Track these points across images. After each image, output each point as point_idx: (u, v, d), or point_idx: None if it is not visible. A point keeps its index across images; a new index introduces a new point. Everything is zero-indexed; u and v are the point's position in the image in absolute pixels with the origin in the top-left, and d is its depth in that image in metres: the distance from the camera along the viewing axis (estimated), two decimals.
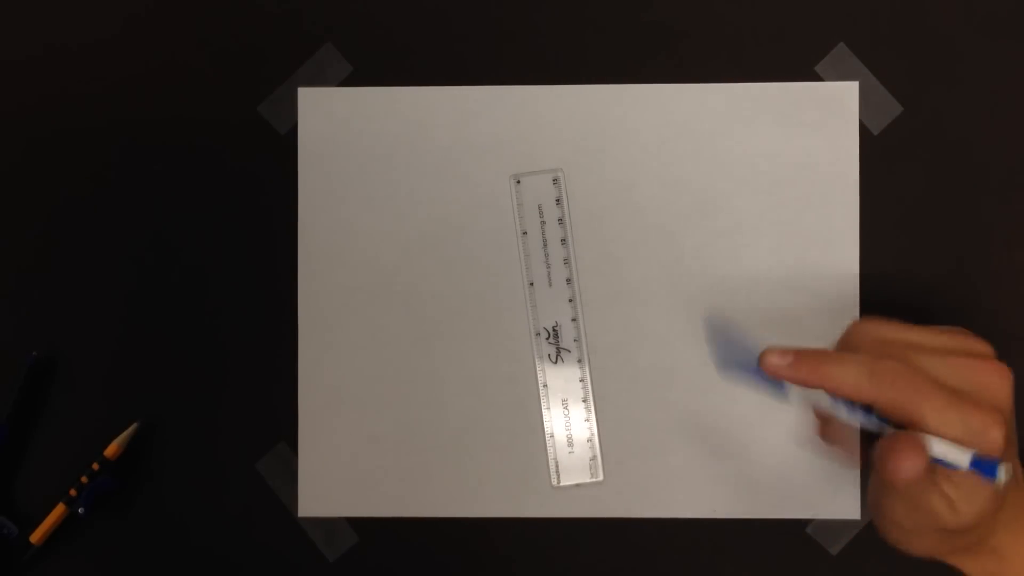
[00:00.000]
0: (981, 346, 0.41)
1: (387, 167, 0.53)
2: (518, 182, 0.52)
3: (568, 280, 0.53)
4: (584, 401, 0.52)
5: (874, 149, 0.53)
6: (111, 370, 0.53)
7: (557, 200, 0.52)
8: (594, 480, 0.52)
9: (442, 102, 0.53)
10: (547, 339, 0.52)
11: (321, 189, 0.53)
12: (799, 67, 0.53)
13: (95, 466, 0.52)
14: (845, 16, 0.53)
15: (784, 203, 0.52)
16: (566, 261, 0.53)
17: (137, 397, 0.53)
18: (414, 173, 0.53)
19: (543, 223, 0.52)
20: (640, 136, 0.53)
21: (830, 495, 0.52)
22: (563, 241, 0.53)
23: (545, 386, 0.53)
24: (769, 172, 0.52)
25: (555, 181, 0.52)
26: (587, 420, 0.52)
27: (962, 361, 0.39)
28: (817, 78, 0.53)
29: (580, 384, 0.52)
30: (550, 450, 0.53)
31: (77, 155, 0.54)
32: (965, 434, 0.38)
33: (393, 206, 0.52)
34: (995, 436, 0.38)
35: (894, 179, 0.53)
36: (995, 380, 0.39)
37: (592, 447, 0.52)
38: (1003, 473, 0.38)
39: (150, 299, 0.53)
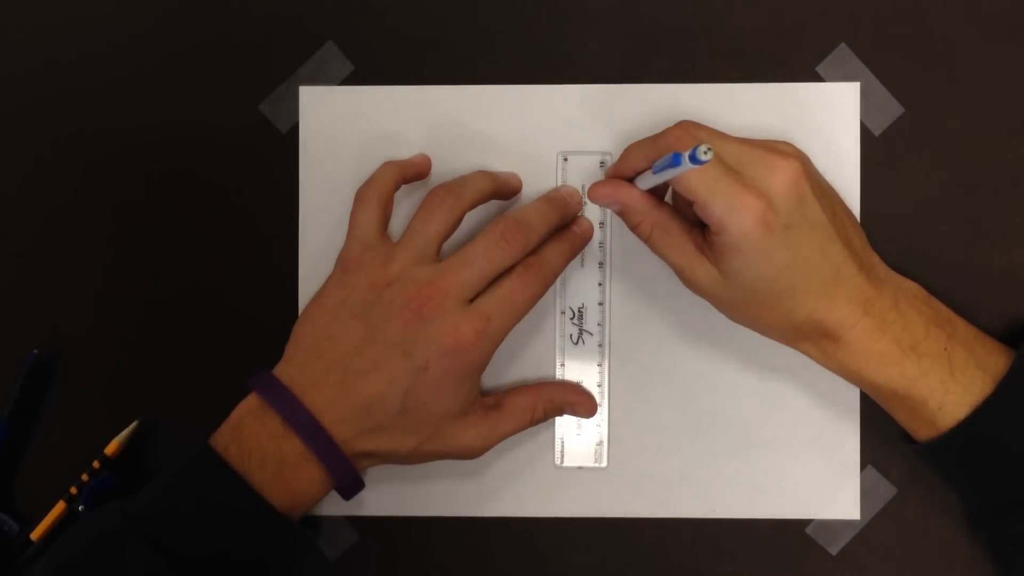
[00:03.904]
0: (787, 147, 0.46)
1: None
2: (566, 159, 0.52)
3: (601, 264, 0.53)
4: (599, 386, 0.52)
5: (875, 150, 0.53)
6: (111, 368, 0.53)
7: None
8: (597, 465, 0.52)
9: (444, 101, 0.53)
10: (571, 319, 0.52)
11: (322, 188, 0.53)
12: (800, 68, 0.53)
13: (95, 464, 0.52)
14: (846, 17, 0.53)
15: None
16: (601, 244, 0.53)
17: (137, 395, 0.53)
18: None
19: (584, 204, 0.52)
20: (640, 136, 0.53)
21: (830, 495, 0.52)
22: (601, 224, 0.53)
23: (563, 365, 0.53)
24: None
25: (601, 164, 0.52)
26: (599, 405, 0.52)
27: (754, 150, 0.45)
28: (818, 79, 0.53)
29: (598, 368, 0.53)
30: (558, 429, 0.53)
31: (76, 154, 0.54)
32: (724, 210, 0.43)
33: (394, 205, 0.52)
34: (750, 218, 0.43)
35: (895, 180, 0.53)
36: (778, 171, 0.44)
37: (600, 432, 0.52)
38: (702, 152, 0.38)
39: (150, 298, 0.53)
